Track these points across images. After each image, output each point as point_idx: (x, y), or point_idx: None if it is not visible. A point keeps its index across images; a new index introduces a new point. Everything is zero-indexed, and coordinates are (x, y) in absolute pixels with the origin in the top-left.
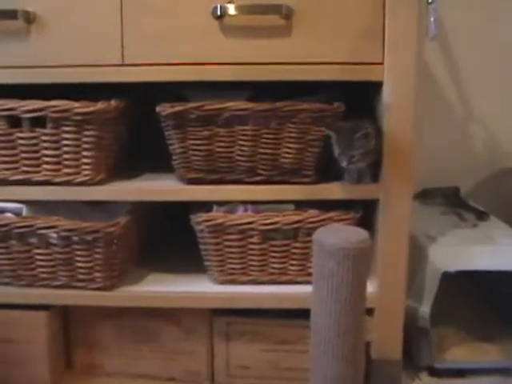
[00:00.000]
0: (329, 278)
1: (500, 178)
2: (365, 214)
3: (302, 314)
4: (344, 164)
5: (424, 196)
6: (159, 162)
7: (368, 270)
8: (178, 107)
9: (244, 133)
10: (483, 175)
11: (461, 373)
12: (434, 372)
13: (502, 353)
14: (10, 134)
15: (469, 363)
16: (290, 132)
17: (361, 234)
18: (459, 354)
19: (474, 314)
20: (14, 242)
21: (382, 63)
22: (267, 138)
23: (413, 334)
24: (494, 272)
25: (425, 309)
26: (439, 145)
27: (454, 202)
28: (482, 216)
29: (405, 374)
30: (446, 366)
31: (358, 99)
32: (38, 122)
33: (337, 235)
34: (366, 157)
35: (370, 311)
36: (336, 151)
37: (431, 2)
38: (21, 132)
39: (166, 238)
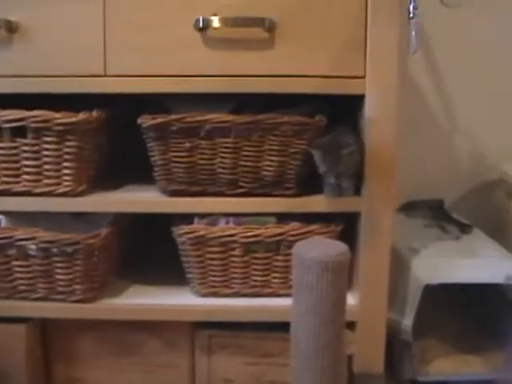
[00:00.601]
0: (308, 291)
1: (484, 191)
2: (346, 226)
3: (285, 326)
4: (331, 181)
5: (409, 208)
6: (141, 174)
7: (347, 283)
8: (160, 119)
9: (226, 145)
10: (468, 187)
11: None
12: None
13: (486, 365)
14: None
15: (452, 375)
16: (272, 144)
17: (340, 247)
18: (442, 366)
19: (458, 326)
20: None
21: (363, 77)
22: (249, 151)
23: (395, 347)
24: (476, 284)
25: (407, 322)
26: (424, 157)
27: (437, 215)
28: (465, 229)
29: None
30: (429, 378)
31: (342, 112)
32: (19, 132)
33: (316, 248)
34: (352, 172)
35: (351, 324)
36: (321, 169)
37: (412, 17)
38: (1, 142)
39: (148, 250)
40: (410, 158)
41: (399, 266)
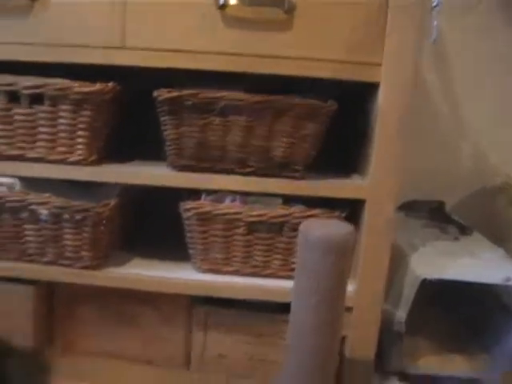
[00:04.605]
0: (312, 270)
1: (486, 196)
2: (351, 213)
3: (280, 308)
4: None
5: (409, 208)
6: (152, 150)
7: (351, 264)
8: (175, 93)
9: (238, 123)
10: (469, 191)
11: (430, 379)
12: (404, 377)
13: (470, 365)
14: (9, 110)
15: (438, 370)
16: (283, 126)
17: (346, 227)
18: (429, 362)
19: (448, 325)
20: (5, 216)
21: (380, 64)
22: (260, 131)
23: (386, 338)
24: (473, 285)
25: (401, 313)
26: (427, 157)
27: (438, 216)
28: (464, 230)
29: (375, 377)
30: (416, 371)
31: (353, 99)
32: (37, 99)
33: (322, 228)
34: None
35: (347, 310)
36: None
37: (436, 5)
38: (19, 108)
39: (152, 224)
40: (412, 157)
41: (397, 261)
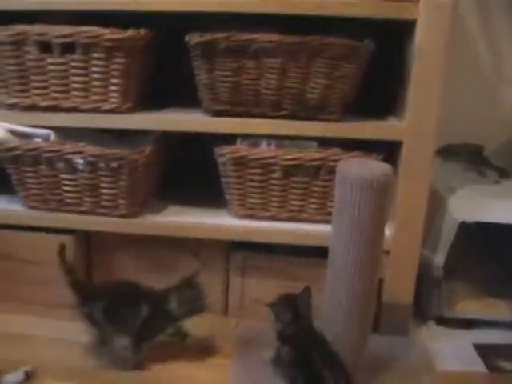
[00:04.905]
0: (350, 209)
1: None
2: (388, 157)
3: (317, 252)
4: None
5: (447, 152)
6: (187, 97)
7: (389, 204)
8: (207, 37)
9: (272, 66)
10: (508, 136)
11: (468, 324)
12: (442, 321)
13: (511, 308)
14: (41, 60)
15: (477, 315)
16: (319, 67)
17: (384, 167)
18: (469, 306)
19: (489, 269)
20: (42, 167)
21: (418, 1)
22: (295, 73)
23: (425, 282)
24: (510, 226)
25: (439, 258)
26: (467, 103)
27: (476, 160)
28: (504, 174)
29: (412, 322)
30: (454, 315)
31: (390, 39)
32: (68, 48)
33: (360, 167)
34: None
35: (385, 253)
36: None
37: None
38: (51, 57)
39: (189, 172)
40: (453, 101)
41: (435, 204)
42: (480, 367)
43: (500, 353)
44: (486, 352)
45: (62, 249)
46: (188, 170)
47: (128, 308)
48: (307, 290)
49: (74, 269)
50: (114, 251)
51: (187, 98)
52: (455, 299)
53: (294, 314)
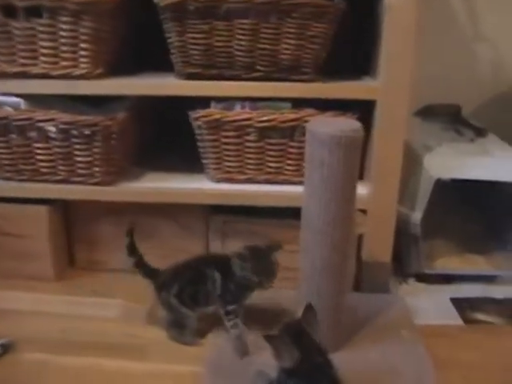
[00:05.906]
0: (320, 167)
1: (503, 101)
2: (363, 117)
3: (296, 214)
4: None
5: (426, 112)
6: (159, 62)
7: (359, 162)
8: None
9: (243, 27)
10: (486, 96)
11: (448, 279)
12: (422, 278)
13: (489, 263)
14: (6, 25)
15: (456, 270)
16: (290, 27)
17: (353, 124)
18: (448, 262)
19: (466, 226)
20: (13, 136)
21: None
22: (266, 33)
23: (403, 240)
24: (488, 185)
25: (416, 215)
26: (444, 62)
27: (454, 120)
28: (480, 132)
29: (393, 279)
30: (434, 271)
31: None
32: (34, 12)
33: (330, 125)
34: None
35: (363, 213)
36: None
37: None
38: (16, 22)
39: (165, 138)
40: (430, 62)
41: (412, 162)
42: (457, 320)
43: (476, 306)
44: (462, 305)
45: (130, 231)
46: (168, 136)
47: (202, 286)
48: (310, 308)
49: (141, 255)
50: (94, 222)
51: (161, 62)
52: (435, 256)
53: (300, 347)
